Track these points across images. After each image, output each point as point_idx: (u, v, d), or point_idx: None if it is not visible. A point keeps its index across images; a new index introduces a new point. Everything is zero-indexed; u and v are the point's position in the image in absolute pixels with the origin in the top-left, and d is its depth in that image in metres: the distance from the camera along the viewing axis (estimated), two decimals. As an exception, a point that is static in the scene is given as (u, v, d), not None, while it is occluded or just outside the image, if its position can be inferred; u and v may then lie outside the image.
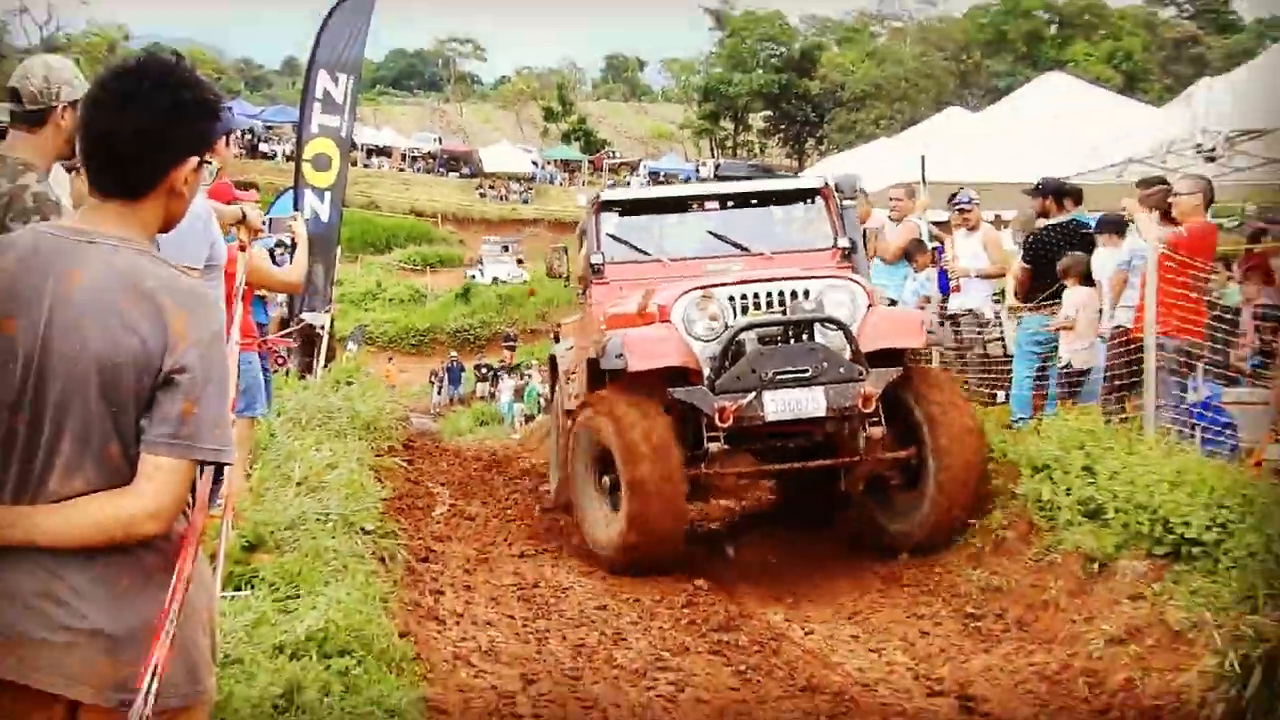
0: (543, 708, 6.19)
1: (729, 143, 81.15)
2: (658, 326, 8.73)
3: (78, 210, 2.82)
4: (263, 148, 66.86)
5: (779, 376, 8.30)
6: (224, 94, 2.96)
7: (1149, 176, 10.09)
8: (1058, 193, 10.92)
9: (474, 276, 53.36)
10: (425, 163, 77.59)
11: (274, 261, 11.94)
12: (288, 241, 12.83)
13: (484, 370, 38.59)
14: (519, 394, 31.88)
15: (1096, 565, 7.09)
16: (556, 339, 39.87)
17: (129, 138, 2.66)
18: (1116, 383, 9.32)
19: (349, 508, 7.77)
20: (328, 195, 14.69)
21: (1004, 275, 11.70)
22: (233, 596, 5.69)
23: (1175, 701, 5.54)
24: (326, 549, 6.78)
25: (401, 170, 75.03)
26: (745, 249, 10.04)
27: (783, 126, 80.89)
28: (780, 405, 8.26)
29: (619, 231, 10.21)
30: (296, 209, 14.12)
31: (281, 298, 13.08)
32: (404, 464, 11.97)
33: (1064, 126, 14.13)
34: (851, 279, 9.13)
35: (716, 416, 8.18)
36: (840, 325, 8.49)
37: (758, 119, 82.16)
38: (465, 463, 13.98)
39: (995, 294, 12.02)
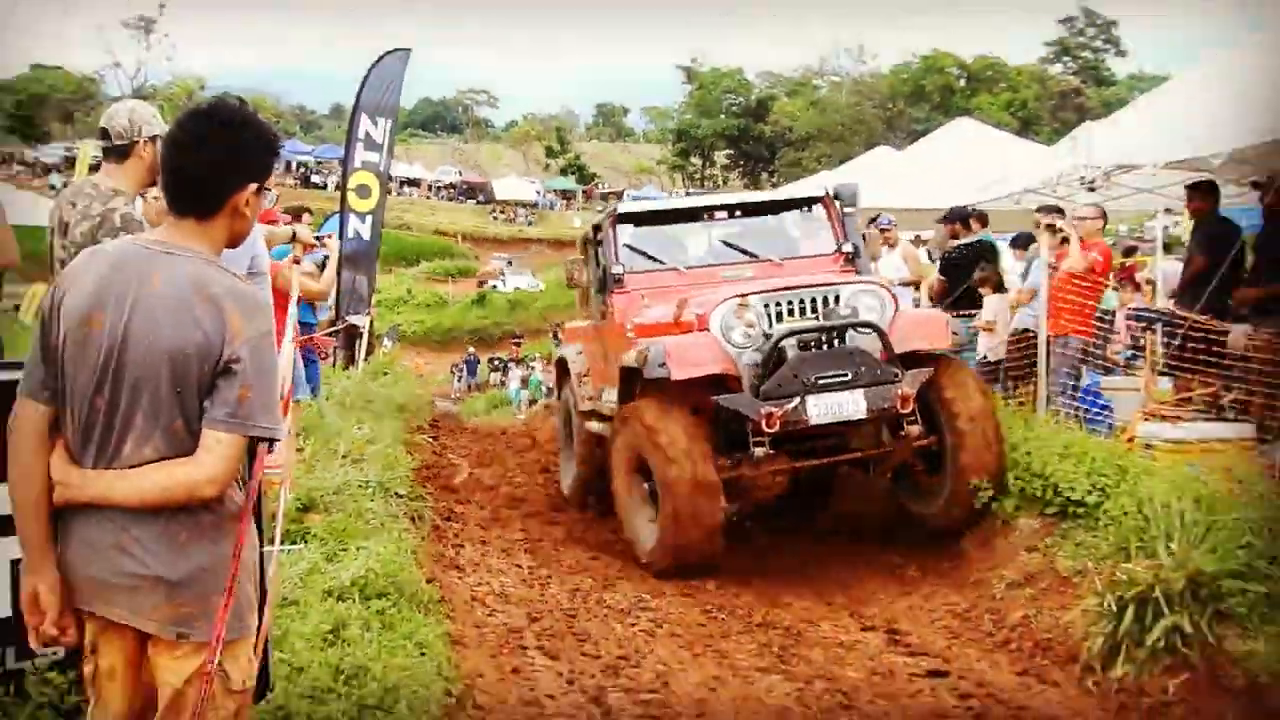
0: (545, 640, 6.19)
1: (697, 176, 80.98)
2: (697, 335, 7.50)
3: (159, 226, 2.83)
4: (314, 179, 66.66)
5: (820, 381, 7.15)
6: (280, 133, 2.98)
7: (1044, 205, 10.11)
8: (963, 218, 11.01)
9: (495, 286, 53.15)
10: (447, 192, 77.44)
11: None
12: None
13: (496, 363, 38.50)
14: (524, 382, 31.80)
15: (999, 522, 7.12)
16: (555, 336, 40.00)
17: (201, 170, 2.70)
18: (1013, 373, 9.38)
19: (385, 476, 7.74)
20: (368, 218, 14.64)
21: (920, 282, 11.73)
22: (289, 549, 5.66)
23: (1063, 635, 5.56)
24: (367, 510, 6.75)
25: (428, 198, 74.85)
26: (755, 256, 8.76)
27: (741, 163, 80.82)
28: (823, 409, 7.10)
29: (635, 242, 8.84)
30: (341, 231, 14.09)
31: (331, 302, 13.03)
32: (430, 440, 11.94)
33: (972, 162, 14.08)
34: (880, 284, 8.00)
35: (763, 422, 6.99)
36: (876, 329, 7.37)
37: (721, 156, 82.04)
38: (480, 439, 13.93)
39: (914, 299, 12.03)
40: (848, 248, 8.79)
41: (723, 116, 78.21)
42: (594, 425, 9.06)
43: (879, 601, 6.80)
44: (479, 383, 37.58)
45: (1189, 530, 5.39)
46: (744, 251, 8.82)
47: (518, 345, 39.55)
